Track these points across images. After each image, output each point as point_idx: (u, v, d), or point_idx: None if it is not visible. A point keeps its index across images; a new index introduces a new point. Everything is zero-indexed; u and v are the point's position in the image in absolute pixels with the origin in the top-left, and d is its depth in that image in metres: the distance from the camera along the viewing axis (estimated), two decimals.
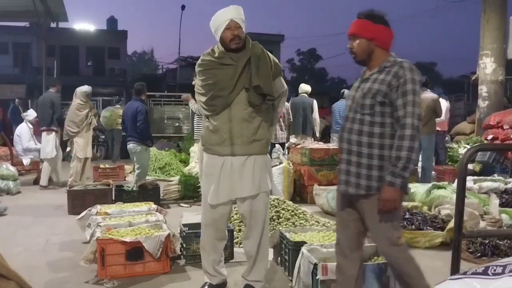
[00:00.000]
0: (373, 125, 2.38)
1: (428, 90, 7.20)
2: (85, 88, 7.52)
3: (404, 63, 2.40)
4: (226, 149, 2.94)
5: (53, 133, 7.62)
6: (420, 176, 7.14)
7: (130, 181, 7.45)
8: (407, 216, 4.60)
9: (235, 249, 3.95)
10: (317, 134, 8.88)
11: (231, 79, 2.89)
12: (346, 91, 9.87)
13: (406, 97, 2.31)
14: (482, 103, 9.86)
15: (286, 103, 8.41)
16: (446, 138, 9.71)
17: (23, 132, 8.84)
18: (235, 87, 2.89)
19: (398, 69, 2.38)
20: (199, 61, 3.06)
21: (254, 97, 2.88)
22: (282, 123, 7.98)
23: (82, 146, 7.27)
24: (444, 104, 8.72)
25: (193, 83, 6.29)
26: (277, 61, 3.04)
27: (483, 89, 9.82)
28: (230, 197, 2.99)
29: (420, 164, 7.27)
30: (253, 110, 2.91)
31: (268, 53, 3.01)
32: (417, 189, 5.89)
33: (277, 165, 6.65)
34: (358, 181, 2.40)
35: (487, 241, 3.99)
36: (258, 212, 3.01)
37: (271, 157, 7.17)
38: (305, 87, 8.97)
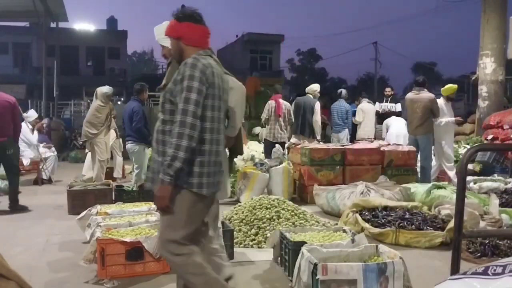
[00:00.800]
0: (166, 123, 2.37)
1: (425, 90, 7.20)
2: (106, 89, 7.29)
3: (189, 60, 2.35)
4: None
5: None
6: (419, 176, 7.15)
7: (129, 181, 7.45)
8: (407, 216, 4.61)
9: (235, 249, 3.95)
10: (317, 137, 8.41)
11: None
12: (343, 91, 9.85)
13: (182, 94, 2.27)
14: (482, 103, 9.87)
15: (288, 103, 8.35)
16: None
17: (23, 132, 8.83)
18: None
19: (183, 66, 2.35)
20: None
21: None
22: (282, 123, 7.91)
23: (103, 148, 7.21)
24: None
25: None
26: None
27: (483, 89, 9.83)
28: None
29: (419, 164, 7.28)
30: None
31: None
32: (417, 189, 5.90)
33: (277, 165, 6.65)
34: (157, 177, 2.35)
35: (487, 241, 3.99)
36: None
37: (271, 157, 7.20)
38: (310, 87, 8.69)
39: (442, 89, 7.70)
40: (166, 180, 2.25)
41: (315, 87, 8.68)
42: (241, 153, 3.55)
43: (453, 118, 7.41)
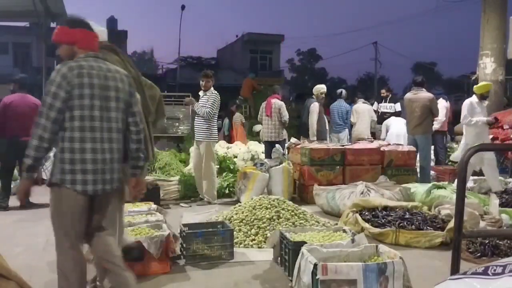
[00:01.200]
0: None
1: (424, 89, 7.18)
2: None
3: (57, 66, 2.50)
4: None
5: None
6: (419, 175, 7.14)
7: None
8: (407, 216, 4.61)
9: (235, 249, 3.95)
10: (311, 138, 8.07)
11: None
12: (343, 91, 9.84)
13: (43, 98, 2.44)
14: None
15: (281, 103, 8.22)
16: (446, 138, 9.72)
17: None
18: None
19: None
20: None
21: None
22: (272, 122, 7.84)
23: None
24: (443, 104, 8.72)
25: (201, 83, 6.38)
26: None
27: None
28: None
29: (418, 164, 7.27)
30: None
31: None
32: (417, 189, 5.90)
33: (277, 165, 6.65)
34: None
35: (487, 241, 3.99)
36: None
37: (271, 157, 7.20)
38: (314, 87, 8.55)
39: (475, 86, 7.09)
40: (24, 176, 2.48)
41: (318, 88, 8.47)
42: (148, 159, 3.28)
43: (485, 118, 6.70)
